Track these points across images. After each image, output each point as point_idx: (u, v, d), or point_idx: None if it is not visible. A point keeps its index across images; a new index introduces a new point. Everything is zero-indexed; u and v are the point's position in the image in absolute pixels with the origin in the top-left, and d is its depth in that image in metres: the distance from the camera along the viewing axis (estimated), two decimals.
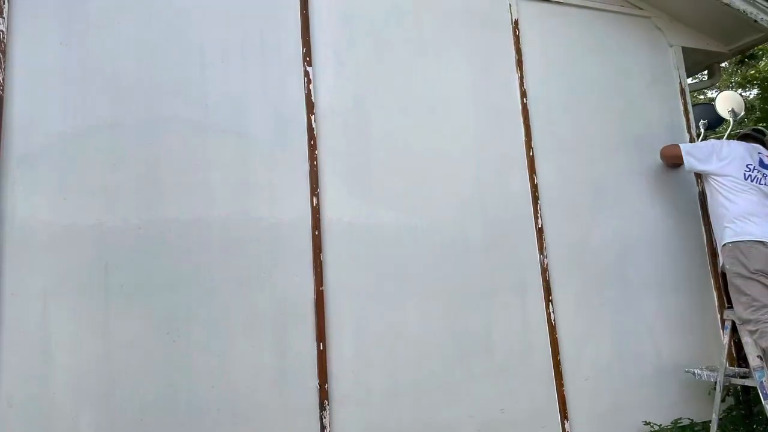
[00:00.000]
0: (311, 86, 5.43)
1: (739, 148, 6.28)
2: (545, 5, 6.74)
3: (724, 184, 6.16)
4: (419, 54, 5.99)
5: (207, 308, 4.83)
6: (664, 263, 6.64)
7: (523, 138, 6.21)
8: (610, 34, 7.08)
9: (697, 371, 6.24)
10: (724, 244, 6.07)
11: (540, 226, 6.06)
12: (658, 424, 6.17)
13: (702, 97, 18.41)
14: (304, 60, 5.47)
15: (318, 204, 5.28)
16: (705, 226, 6.92)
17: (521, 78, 6.34)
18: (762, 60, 16.79)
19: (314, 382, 5.03)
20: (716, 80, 8.53)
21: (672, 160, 6.67)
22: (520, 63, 6.38)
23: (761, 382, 5.73)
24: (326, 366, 5.08)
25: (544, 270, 5.97)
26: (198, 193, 4.95)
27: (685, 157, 6.41)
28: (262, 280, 5.03)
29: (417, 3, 6.07)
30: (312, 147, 5.35)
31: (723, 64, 10.21)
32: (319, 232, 5.25)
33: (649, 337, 6.39)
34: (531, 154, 6.19)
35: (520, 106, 6.28)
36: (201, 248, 4.88)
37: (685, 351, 6.52)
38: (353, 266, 5.36)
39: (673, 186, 6.91)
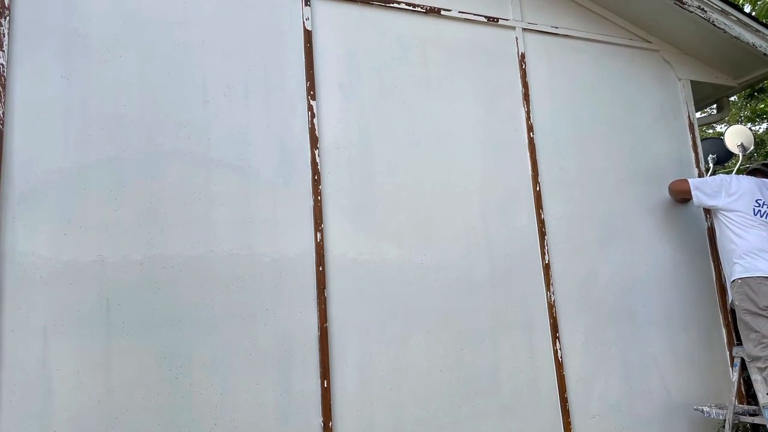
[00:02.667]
0: (315, 120, 5.40)
1: (749, 183, 6.24)
2: (552, 38, 6.73)
3: (733, 220, 6.12)
4: (425, 88, 5.96)
5: (209, 345, 4.78)
6: (673, 299, 6.59)
7: (530, 173, 6.18)
8: (617, 67, 7.06)
9: (705, 409, 6.18)
10: (733, 280, 6.03)
11: (547, 261, 6.01)
12: None
13: (711, 131, 18.38)
14: (308, 94, 5.44)
15: (322, 239, 5.24)
16: (714, 261, 6.88)
17: (528, 112, 6.32)
18: None
19: (318, 420, 4.97)
20: (725, 114, 8.50)
21: (680, 195, 6.64)
22: (526, 97, 6.36)
23: None
24: (330, 403, 5.03)
25: (551, 306, 5.92)
26: (200, 228, 4.91)
27: (693, 192, 6.37)
28: (265, 316, 4.98)
29: (422, 37, 6.05)
30: (316, 182, 5.31)
31: (732, 98, 10.18)
32: (323, 268, 5.21)
33: (658, 374, 6.33)
34: (538, 189, 6.16)
35: (526, 141, 6.26)
36: (203, 284, 4.84)
37: (693, 388, 6.46)
38: (358, 302, 5.31)
39: (682, 221, 6.88)
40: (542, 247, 6.04)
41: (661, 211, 6.78)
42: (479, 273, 5.76)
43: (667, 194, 6.80)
